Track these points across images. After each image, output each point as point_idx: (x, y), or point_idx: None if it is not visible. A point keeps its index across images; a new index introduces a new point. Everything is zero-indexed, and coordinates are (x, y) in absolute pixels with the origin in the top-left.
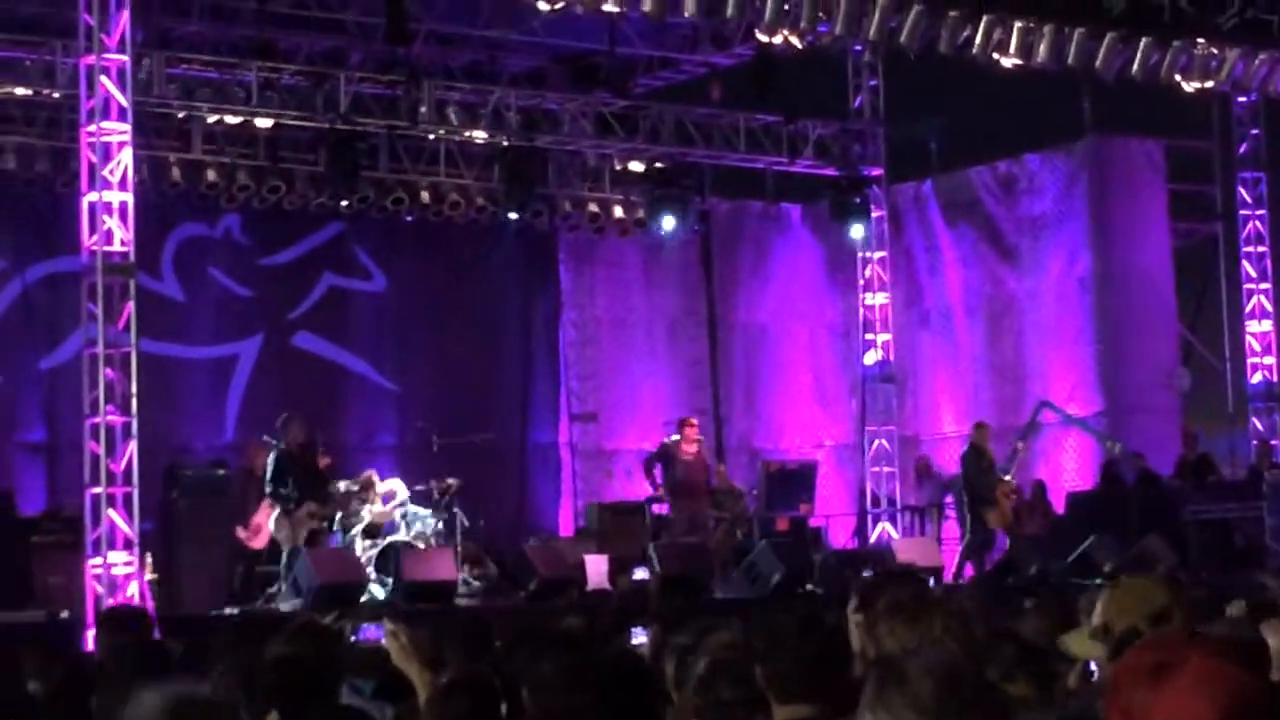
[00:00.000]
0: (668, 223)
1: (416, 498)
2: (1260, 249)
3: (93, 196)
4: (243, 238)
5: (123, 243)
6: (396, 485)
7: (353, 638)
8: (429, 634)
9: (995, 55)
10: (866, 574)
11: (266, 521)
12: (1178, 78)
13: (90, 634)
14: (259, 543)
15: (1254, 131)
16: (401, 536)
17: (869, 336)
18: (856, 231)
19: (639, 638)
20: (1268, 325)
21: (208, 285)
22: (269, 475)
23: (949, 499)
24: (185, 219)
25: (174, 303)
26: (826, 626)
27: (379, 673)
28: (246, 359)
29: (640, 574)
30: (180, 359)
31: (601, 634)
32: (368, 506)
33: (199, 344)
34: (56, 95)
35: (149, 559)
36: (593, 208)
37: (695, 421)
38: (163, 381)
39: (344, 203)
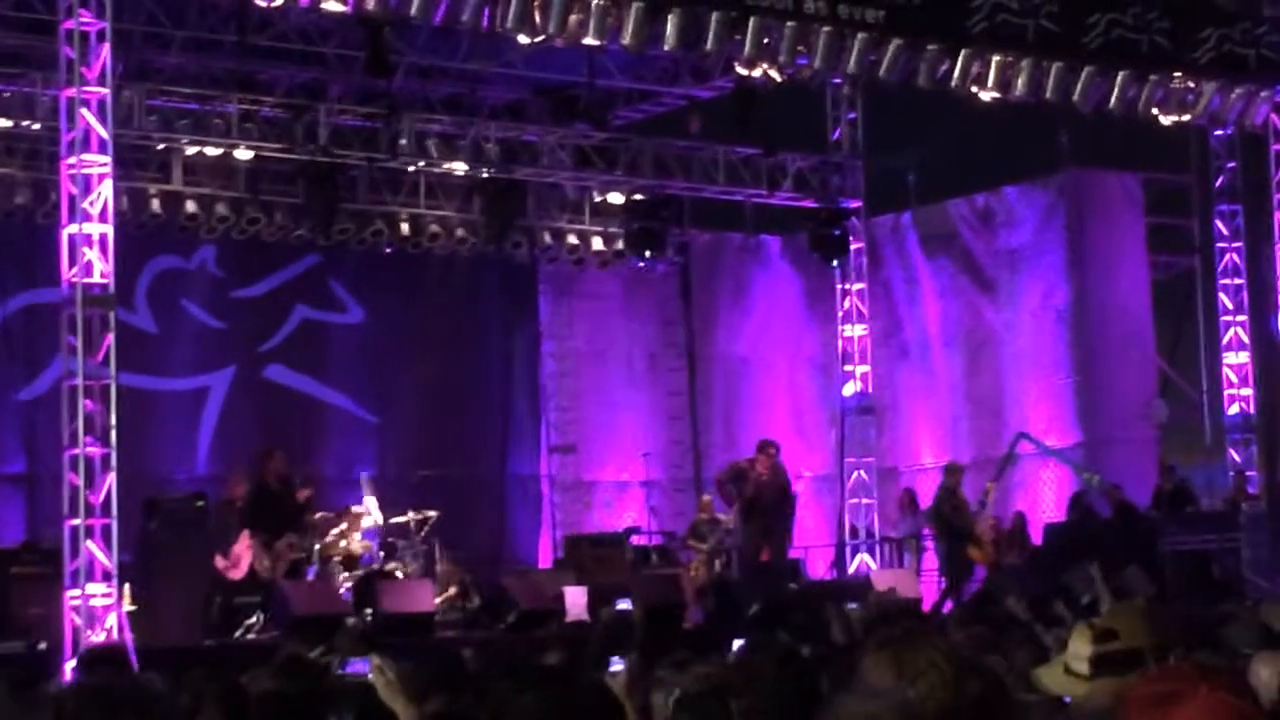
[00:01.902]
0: (647, 254)
1: (395, 529)
2: (1237, 281)
3: (73, 228)
4: (217, 270)
5: (102, 275)
6: (371, 505)
7: (339, 671)
8: (415, 668)
9: (973, 89)
10: (851, 606)
11: (246, 552)
12: (1155, 111)
13: (69, 665)
14: (238, 573)
15: (1231, 165)
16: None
17: (848, 368)
18: (835, 263)
19: (616, 666)
20: (1245, 357)
21: (181, 317)
22: (249, 507)
23: (928, 531)
24: (160, 251)
25: (147, 335)
26: (804, 661)
27: (363, 707)
28: (218, 391)
29: (623, 604)
30: (153, 391)
31: (584, 665)
32: (345, 539)
33: (172, 376)
34: (37, 127)
35: (127, 590)
36: (572, 239)
37: (773, 448)
38: (136, 413)
39: (323, 235)
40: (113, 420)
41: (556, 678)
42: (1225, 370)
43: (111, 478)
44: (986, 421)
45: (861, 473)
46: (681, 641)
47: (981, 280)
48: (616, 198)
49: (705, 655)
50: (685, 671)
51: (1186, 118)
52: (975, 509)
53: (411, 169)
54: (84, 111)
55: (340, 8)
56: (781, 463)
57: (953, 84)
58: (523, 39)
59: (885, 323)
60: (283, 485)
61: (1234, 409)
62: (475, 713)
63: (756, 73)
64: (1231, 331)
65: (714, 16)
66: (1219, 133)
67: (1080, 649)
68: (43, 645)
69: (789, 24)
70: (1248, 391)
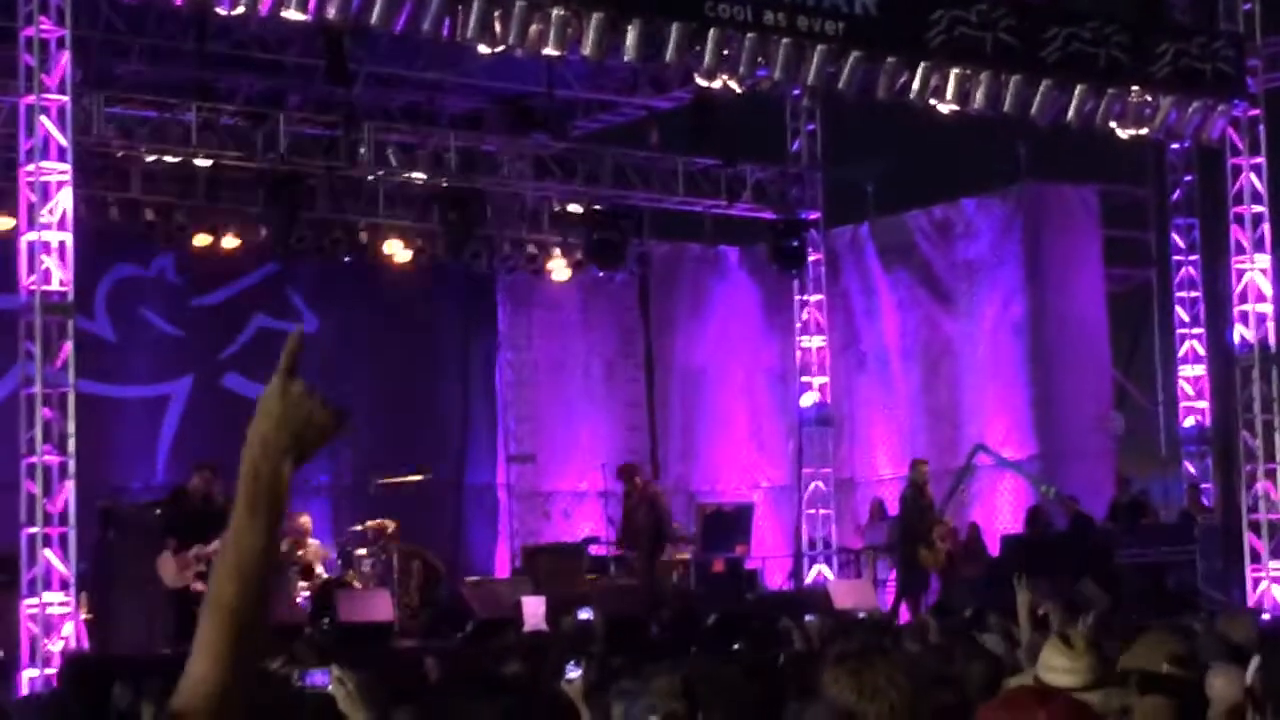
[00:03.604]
0: (605, 265)
1: (352, 538)
2: (1193, 294)
3: (31, 236)
4: (176, 278)
5: (61, 282)
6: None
7: (299, 683)
8: (374, 678)
9: (932, 101)
10: (809, 617)
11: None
12: (1112, 124)
13: (25, 675)
14: (200, 583)
15: (1187, 178)
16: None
17: (805, 379)
18: (794, 274)
19: (572, 673)
20: (1200, 370)
21: (140, 326)
22: (165, 514)
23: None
24: (119, 259)
25: (105, 343)
26: (767, 672)
27: (324, 718)
28: (177, 400)
29: (584, 614)
30: (112, 399)
31: (544, 675)
32: (301, 548)
33: (131, 384)
34: None
35: (84, 598)
36: (531, 249)
37: (629, 470)
38: (95, 421)
39: (281, 244)
40: (71, 429)
41: (517, 687)
42: (1181, 383)
43: (69, 486)
44: (944, 433)
45: (819, 483)
46: (643, 651)
47: (939, 292)
48: (575, 208)
49: (666, 665)
50: (648, 682)
51: (1144, 131)
52: (941, 506)
53: (370, 178)
54: (43, 119)
55: (300, 16)
56: (645, 483)
57: (911, 96)
58: (482, 49)
59: (843, 334)
60: (205, 501)
61: (1189, 421)
62: None
63: (716, 84)
64: (1187, 344)
65: (674, 28)
66: (1175, 146)
67: (1053, 660)
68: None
69: (748, 35)
70: (1203, 404)
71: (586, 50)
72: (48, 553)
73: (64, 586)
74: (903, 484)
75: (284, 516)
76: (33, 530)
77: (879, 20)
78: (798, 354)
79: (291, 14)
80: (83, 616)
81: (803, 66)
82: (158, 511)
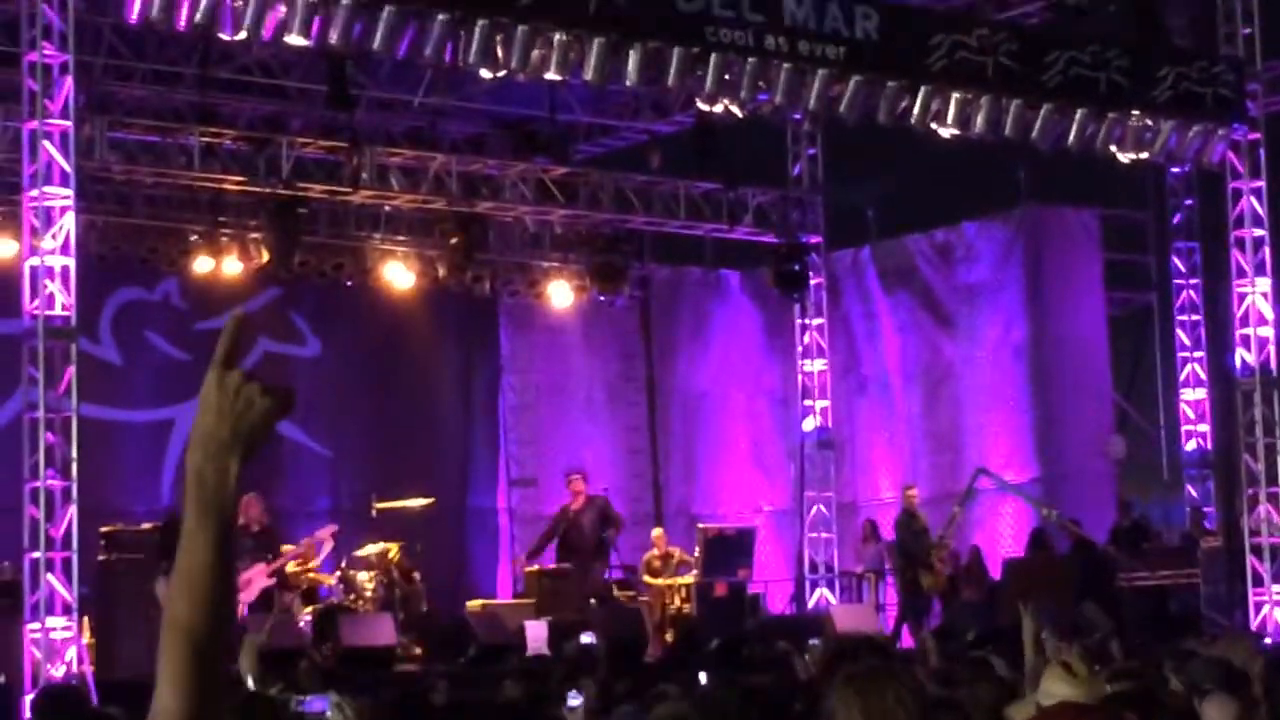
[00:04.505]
0: (607, 289)
1: (355, 562)
2: (1194, 318)
3: (34, 261)
4: (181, 302)
5: (64, 307)
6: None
7: (299, 709)
8: (374, 704)
9: (933, 125)
10: (813, 641)
11: (257, 578)
12: (1113, 148)
13: (28, 700)
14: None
15: (1188, 202)
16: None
17: (807, 403)
18: (795, 298)
19: (574, 700)
20: (1201, 393)
21: (145, 349)
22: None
23: (889, 564)
24: (124, 283)
25: (111, 367)
26: (767, 697)
27: None
28: (183, 424)
29: (586, 638)
30: (117, 422)
31: (545, 700)
32: (306, 572)
33: (136, 408)
34: None
35: (86, 622)
36: (532, 273)
37: (575, 475)
38: (100, 445)
39: (284, 268)
40: (73, 453)
41: (518, 713)
42: (1182, 406)
43: (72, 511)
44: (945, 456)
45: (821, 507)
46: (643, 675)
47: (940, 315)
48: (577, 232)
49: (667, 689)
50: (648, 708)
51: (1144, 155)
52: (939, 535)
53: (372, 202)
54: (46, 144)
55: (303, 41)
56: (598, 496)
57: (912, 120)
58: (485, 73)
59: (845, 358)
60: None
61: (1191, 444)
62: None
63: (717, 108)
64: (1189, 368)
65: (675, 52)
66: (1176, 170)
67: (1054, 687)
68: (1, 679)
69: (750, 60)
70: (1205, 428)
71: (588, 75)
72: (50, 577)
73: (67, 611)
74: (900, 498)
75: (234, 524)
76: (35, 555)
77: (880, 45)
78: (799, 378)
79: (294, 39)
80: (85, 640)
81: (804, 91)
82: (158, 536)
